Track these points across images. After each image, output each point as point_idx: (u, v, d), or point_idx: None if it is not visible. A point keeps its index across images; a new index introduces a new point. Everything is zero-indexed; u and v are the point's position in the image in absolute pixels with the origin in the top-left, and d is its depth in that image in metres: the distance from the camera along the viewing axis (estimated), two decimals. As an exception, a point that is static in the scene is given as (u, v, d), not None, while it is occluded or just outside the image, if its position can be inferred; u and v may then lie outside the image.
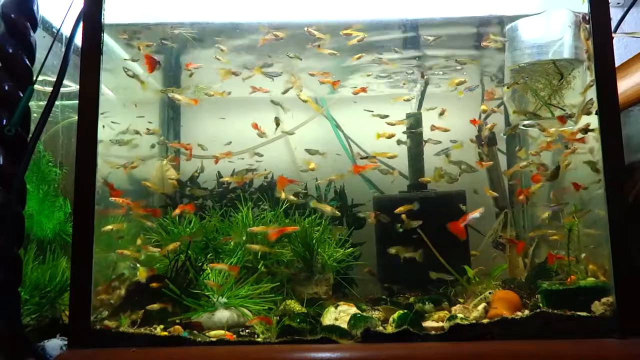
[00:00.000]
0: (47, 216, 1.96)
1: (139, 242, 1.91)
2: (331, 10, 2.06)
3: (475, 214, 1.74)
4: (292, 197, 1.99)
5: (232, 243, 1.94)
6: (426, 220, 1.94)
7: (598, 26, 1.53)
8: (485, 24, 2.13)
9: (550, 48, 1.92)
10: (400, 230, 1.91)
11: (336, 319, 1.60)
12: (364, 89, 2.24)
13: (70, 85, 1.98)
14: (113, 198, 1.74)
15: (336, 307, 1.67)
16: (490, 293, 1.73)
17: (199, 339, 1.48)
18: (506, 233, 2.10)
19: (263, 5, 2.02)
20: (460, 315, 1.55)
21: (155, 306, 1.63)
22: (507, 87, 2.04)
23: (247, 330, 1.63)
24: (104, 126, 1.56)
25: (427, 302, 1.71)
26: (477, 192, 2.10)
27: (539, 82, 1.97)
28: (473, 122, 2.18)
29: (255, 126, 2.19)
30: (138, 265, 1.76)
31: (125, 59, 2.02)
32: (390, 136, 2.14)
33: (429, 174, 2.18)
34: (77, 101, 1.54)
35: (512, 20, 2.01)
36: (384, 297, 1.95)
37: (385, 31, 2.15)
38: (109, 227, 1.73)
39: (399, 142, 2.19)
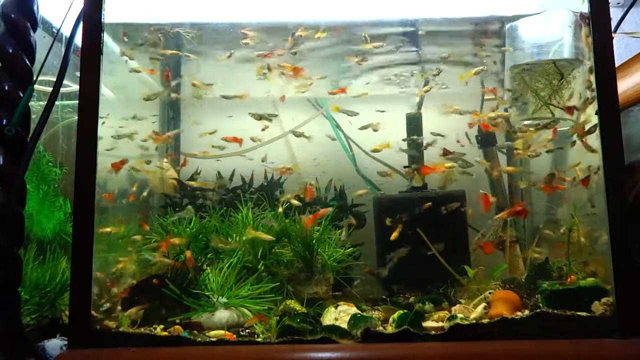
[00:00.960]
0: (47, 216, 1.96)
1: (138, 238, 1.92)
2: (331, 11, 2.06)
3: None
4: (294, 201, 2.01)
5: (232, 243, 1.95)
6: (426, 220, 1.94)
7: (598, 26, 1.53)
8: (485, 24, 2.13)
9: (550, 48, 1.92)
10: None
11: (336, 319, 1.60)
12: (343, 90, 2.23)
13: (70, 85, 1.99)
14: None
15: (336, 307, 1.67)
16: (490, 293, 1.74)
17: (199, 339, 1.48)
18: (506, 233, 2.10)
19: (264, 5, 2.03)
20: (460, 315, 1.55)
21: (134, 310, 1.62)
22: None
23: (247, 330, 1.63)
24: (104, 123, 1.57)
25: (427, 302, 1.71)
26: (472, 175, 2.08)
27: (539, 82, 1.97)
28: (484, 126, 2.17)
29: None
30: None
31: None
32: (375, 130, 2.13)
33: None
34: (77, 101, 1.54)
35: (512, 20, 2.01)
36: (384, 297, 1.95)
37: (385, 31, 2.15)
38: (108, 229, 1.73)
39: (402, 149, 2.19)
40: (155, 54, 2.17)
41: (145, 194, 2.10)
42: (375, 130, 2.12)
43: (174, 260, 1.78)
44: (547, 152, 1.96)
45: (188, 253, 1.77)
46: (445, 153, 1.98)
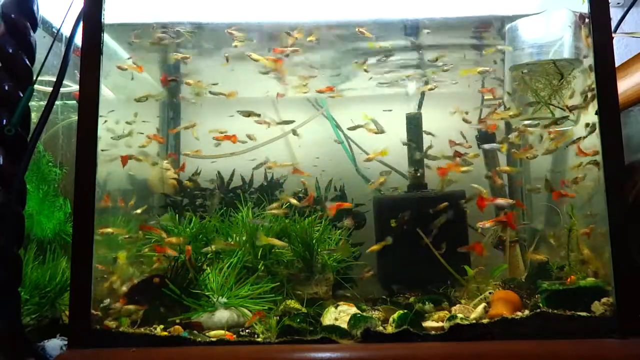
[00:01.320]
0: (47, 216, 1.96)
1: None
2: (332, 10, 2.06)
3: (503, 201, 1.80)
4: (293, 201, 2.01)
5: (232, 243, 1.95)
6: (426, 220, 1.94)
7: (598, 26, 1.53)
8: (485, 24, 2.13)
9: (550, 48, 1.92)
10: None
11: (336, 319, 1.60)
12: (330, 88, 2.24)
13: (70, 85, 1.99)
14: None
15: (336, 307, 1.67)
16: (490, 293, 1.74)
17: (199, 339, 1.48)
18: (506, 233, 2.10)
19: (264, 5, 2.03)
20: (460, 315, 1.55)
21: (132, 307, 1.63)
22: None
23: (247, 330, 1.63)
24: (105, 121, 1.56)
25: (427, 302, 1.71)
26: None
27: (539, 82, 1.97)
28: (492, 127, 2.17)
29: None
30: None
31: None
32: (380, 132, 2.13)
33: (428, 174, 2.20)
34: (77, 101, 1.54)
35: (512, 20, 2.01)
36: (384, 297, 1.95)
37: (385, 31, 2.15)
38: (110, 230, 1.73)
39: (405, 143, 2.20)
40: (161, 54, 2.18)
41: (139, 211, 2.09)
42: (382, 133, 2.12)
43: (174, 260, 1.77)
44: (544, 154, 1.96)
45: (188, 248, 1.76)
46: (458, 155, 1.98)
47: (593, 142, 1.64)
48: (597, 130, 1.51)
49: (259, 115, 2.16)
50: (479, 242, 1.90)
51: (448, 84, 2.34)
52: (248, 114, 2.12)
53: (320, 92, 2.23)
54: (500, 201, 1.86)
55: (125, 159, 1.96)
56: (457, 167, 1.96)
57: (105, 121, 1.57)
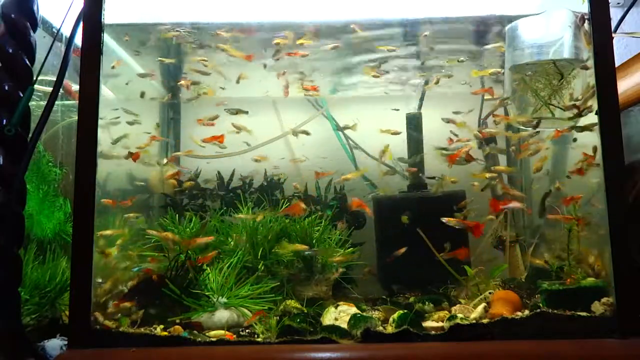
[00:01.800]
0: (47, 216, 1.96)
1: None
2: (331, 10, 2.06)
3: (517, 204, 1.82)
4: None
5: (232, 243, 1.95)
6: (426, 220, 1.94)
7: (598, 26, 1.53)
8: (485, 23, 2.13)
9: (550, 48, 1.92)
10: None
11: (336, 319, 1.60)
12: (314, 88, 2.24)
13: (71, 85, 1.99)
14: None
15: (336, 307, 1.67)
16: (490, 293, 1.74)
17: (199, 339, 1.48)
18: (506, 233, 2.10)
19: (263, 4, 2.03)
20: (460, 315, 1.55)
21: (127, 304, 1.63)
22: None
23: (247, 330, 1.63)
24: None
25: (427, 302, 1.71)
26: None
27: (539, 82, 1.96)
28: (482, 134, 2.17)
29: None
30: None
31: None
32: (395, 133, 2.14)
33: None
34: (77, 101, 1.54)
35: (512, 20, 2.01)
36: (384, 297, 1.95)
37: (384, 31, 2.15)
38: (109, 231, 1.73)
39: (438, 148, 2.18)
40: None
41: (132, 214, 2.08)
42: (392, 134, 2.11)
43: (174, 260, 1.77)
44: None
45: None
46: (468, 159, 1.98)
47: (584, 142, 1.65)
48: (597, 131, 1.51)
49: (246, 113, 2.16)
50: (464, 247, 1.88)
51: (447, 83, 2.34)
52: (236, 112, 2.12)
53: (305, 89, 2.23)
54: (515, 205, 1.84)
55: (136, 156, 1.98)
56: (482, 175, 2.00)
57: (118, 117, 1.56)
